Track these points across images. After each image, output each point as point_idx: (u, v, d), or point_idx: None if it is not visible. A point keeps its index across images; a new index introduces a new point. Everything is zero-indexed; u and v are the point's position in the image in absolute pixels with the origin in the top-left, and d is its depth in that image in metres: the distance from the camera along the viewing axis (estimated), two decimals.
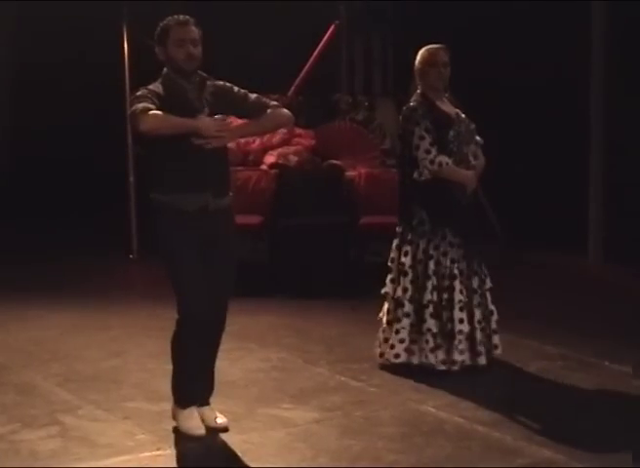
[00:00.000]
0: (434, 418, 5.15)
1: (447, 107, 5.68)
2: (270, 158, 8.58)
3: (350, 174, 8.43)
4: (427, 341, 5.62)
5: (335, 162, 8.59)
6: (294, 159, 8.55)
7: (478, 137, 5.76)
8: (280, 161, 8.52)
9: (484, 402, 5.33)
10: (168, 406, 5.16)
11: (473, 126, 5.75)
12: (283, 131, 8.30)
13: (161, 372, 5.79)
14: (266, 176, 8.38)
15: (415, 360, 5.72)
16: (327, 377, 5.99)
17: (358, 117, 9.26)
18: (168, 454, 4.68)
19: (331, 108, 9.32)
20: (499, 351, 5.85)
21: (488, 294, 5.80)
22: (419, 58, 5.70)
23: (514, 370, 6.07)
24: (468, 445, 4.74)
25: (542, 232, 9.00)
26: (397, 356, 5.64)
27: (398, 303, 5.70)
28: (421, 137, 5.43)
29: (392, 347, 5.68)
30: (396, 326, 5.71)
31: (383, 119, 9.37)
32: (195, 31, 4.83)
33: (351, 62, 10.32)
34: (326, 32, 9.48)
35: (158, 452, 4.69)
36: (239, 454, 4.69)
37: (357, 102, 9.53)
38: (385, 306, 5.86)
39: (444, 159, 5.39)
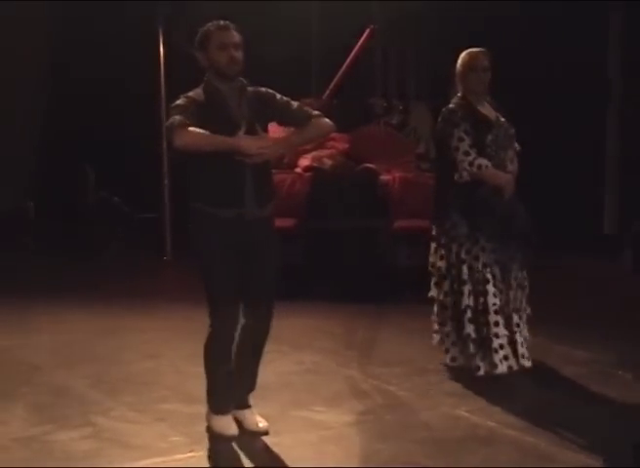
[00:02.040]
0: (467, 423, 5.17)
1: (487, 111, 5.70)
2: (305, 161, 8.66)
3: (384, 177, 8.50)
4: (468, 346, 5.67)
5: (369, 165, 8.65)
6: (328, 162, 8.63)
7: (516, 144, 5.79)
8: (314, 164, 8.60)
9: (517, 407, 5.34)
10: (202, 408, 5.19)
11: (513, 131, 5.77)
12: None
13: (195, 375, 5.75)
14: (301, 179, 8.45)
15: (459, 363, 5.78)
16: (359, 381, 6.01)
17: (392, 121, 9.39)
18: (201, 456, 4.71)
19: (365, 112, 9.39)
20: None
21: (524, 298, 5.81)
22: (459, 61, 5.76)
23: (547, 375, 6.07)
24: (502, 449, 4.73)
25: (575, 238, 9.07)
26: (454, 359, 5.78)
27: (443, 306, 5.78)
28: (460, 139, 5.46)
29: (447, 351, 5.79)
30: (445, 329, 5.81)
31: (417, 123, 9.52)
32: (237, 36, 4.83)
33: (386, 66, 10.42)
34: (361, 36, 9.51)
35: (191, 454, 4.72)
36: (271, 456, 4.72)
37: (391, 106, 9.65)
38: (435, 309, 5.95)
39: (483, 161, 5.42)
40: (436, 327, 5.96)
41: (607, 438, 4.92)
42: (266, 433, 5.04)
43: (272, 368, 6.07)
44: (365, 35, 9.56)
